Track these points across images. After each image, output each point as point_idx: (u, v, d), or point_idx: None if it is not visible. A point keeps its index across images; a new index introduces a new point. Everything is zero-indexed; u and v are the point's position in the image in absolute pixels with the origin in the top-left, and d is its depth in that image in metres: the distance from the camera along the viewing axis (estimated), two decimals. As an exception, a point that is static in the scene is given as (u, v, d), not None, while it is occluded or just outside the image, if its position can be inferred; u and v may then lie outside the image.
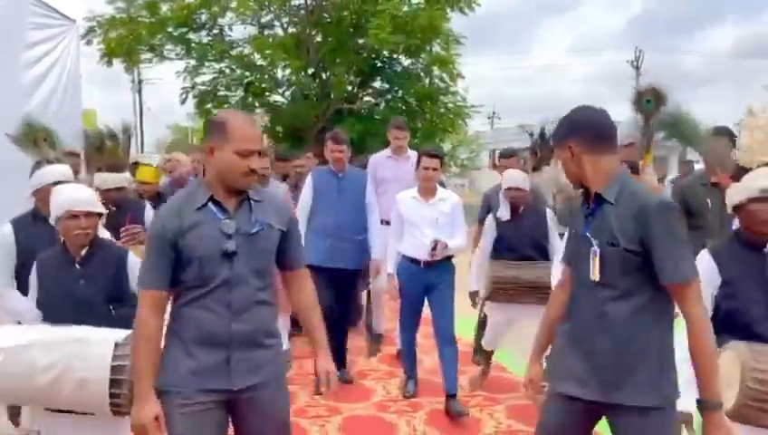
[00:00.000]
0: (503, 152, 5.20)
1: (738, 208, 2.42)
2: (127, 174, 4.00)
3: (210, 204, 2.09)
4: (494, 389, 4.71)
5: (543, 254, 4.18)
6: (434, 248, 4.09)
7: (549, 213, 4.27)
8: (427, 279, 4.23)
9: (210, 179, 2.11)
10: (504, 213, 4.28)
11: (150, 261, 2.08)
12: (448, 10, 14.55)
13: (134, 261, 2.73)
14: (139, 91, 26.23)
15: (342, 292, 4.72)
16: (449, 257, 4.26)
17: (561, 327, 2.23)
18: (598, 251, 2.02)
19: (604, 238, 2.03)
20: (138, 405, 2.01)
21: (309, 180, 4.75)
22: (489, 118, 48.62)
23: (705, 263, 2.42)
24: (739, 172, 2.44)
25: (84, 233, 2.61)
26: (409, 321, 4.41)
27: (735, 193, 2.41)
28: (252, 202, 2.15)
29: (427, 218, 4.19)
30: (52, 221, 2.67)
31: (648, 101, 3.70)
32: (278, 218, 2.19)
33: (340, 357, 4.63)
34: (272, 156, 5.24)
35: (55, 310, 2.56)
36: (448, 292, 4.26)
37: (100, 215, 2.72)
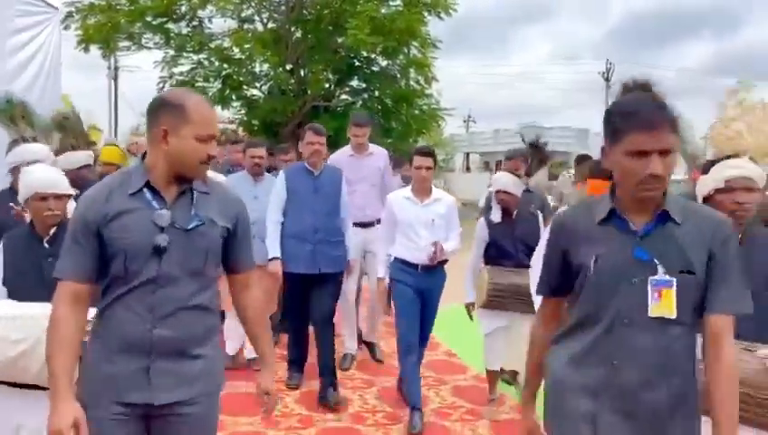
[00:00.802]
0: (508, 154, 5.03)
1: (706, 200, 2.37)
2: (89, 152, 3.92)
3: (146, 190, 1.85)
4: (477, 401, 4.47)
5: None
6: (434, 251, 3.88)
7: (541, 217, 4.15)
8: (423, 284, 4.02)
9: (153, 164, 1.85)
10: (495, 215, 4.11)
11: (69, 248, 1.85)
12: (426, 14, 14.89)
13: None
14: (115, 78, 26.02)
15: (326, 297, 4.41)
16: (443, 261, 4.06)
17: (578, 383, 1.77)
18: (674, 281, 1.67)
19: (675, 264, 1.68)
20: (54, 410, 1.73)
21: (281, 178, 4.42)
22: (465, 121, 49.29)
23: None
24: (707, 167, 2.44)
25: (53, 214, 2.58)
26: (409, 334, 4.02)
27: (703, 185, 2.39)
28: (195, 194, 1.90)
29: (422, 220, 3.99)
30: (20, 201, 2.65)
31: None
32: (224, 214, 1.94)
33: (331, 371, 4.41)
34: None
35: (23, 288, 2.52)
36: (438, 299, 4.13)
37: (69, 196, 2.68)
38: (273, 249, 4.34)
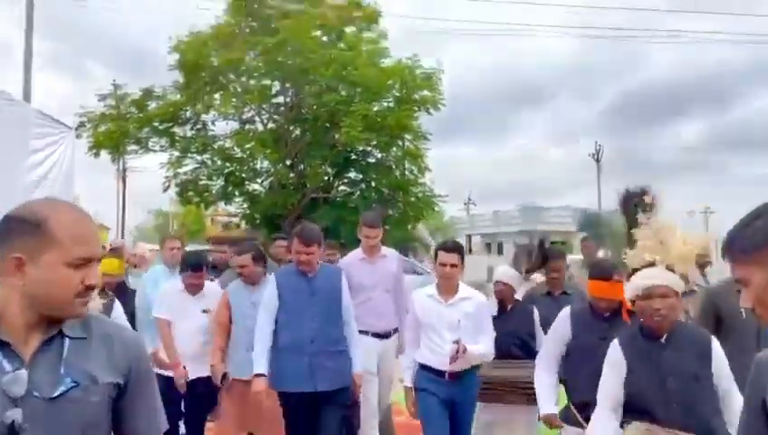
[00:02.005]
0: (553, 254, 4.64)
1: (633, 304, 2.65)
2: None
3: None
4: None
5: (529, 353, 3.83)
6: (455, 351, 3.39)
7: (536, 312, 4.01)
8: (452, 394, 3.56)
9: (1, 306, 1.33)
10: (492, 310, 3.96)
11: None
12: (416, 109, 15.83)
13: None
14: (123, 179, 27.12)
15: (329, 421, 3.76)
16: (475, 367, 3.65)
17: None
18: None
19: None
20: None
21: (272, 282, 3.86)
22: (465, 204, 50.34)
23: (614, 353, 2.63)
24: (629, 275, 2.68)
25: None
26: None
27: (627, 291, 2.65)
28: (66, 342, 1.36)
29: (446, 320, 3.57)
30: None
31: (636, 205, 3.52)
32: (111, 365, 1.40)
33: None
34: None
35: None
36: (471, 412, 3.71)
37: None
38: (258, 364, 3.71)
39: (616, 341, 2.67)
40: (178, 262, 4.56)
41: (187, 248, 5.65)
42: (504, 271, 4.13)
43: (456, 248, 3.68)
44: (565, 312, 3.33)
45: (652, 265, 2.65)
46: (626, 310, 3.11)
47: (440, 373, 3.54)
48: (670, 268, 2.64)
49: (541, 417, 3.38)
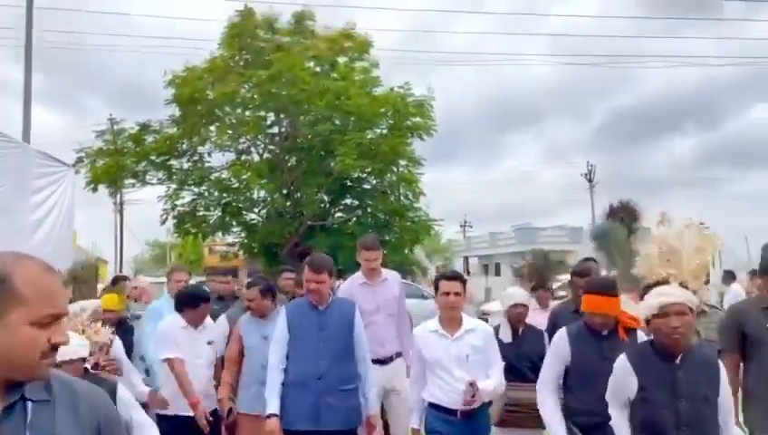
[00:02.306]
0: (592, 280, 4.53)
1: (647, 323, 2.61)
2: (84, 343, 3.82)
3: None
4: None
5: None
6: (472, 395, 3.25)
7: (545, 335, 3.95)
8: (465, 433, 3.42)
9: None
10: (506, 335, 3.94)
11: None
12: (409, 136, 16.06)
13: (123, 391, 2.96)
14: (121, 212, 27.26)
15: None
16: (487, 403, 3.51)
17: None
18: None
19: None
20: None
21: (282, 316, 3.75)
22: (461, 226, 50.50)
23: (621, 368, 2.63)
24: (644, 292, 2.66)
25: None
26: None
27: (642, 310, 2.62)
28: (30, 405, 1.28)
29: (454, 356, 3.39)
30: None
31: (622, 218, 3.72)
32: (79, 426, 1.33)
33: None
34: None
35: None
36: None
37: (82, 359, 2.85)
38: (271, 404, 3.57)
39: (624, 357, 2.66)
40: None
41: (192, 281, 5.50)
42: (519, 293, 4.08)
43: (457, 276, 3.55)
44: (562, 331, 3.29)
45: (666, 281, 2.65)
46: (622, 328, 3.14)
47: (451, 412, 3.37)
48: (684, 285, 2.63)
49: None
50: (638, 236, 3.27)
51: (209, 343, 4.19)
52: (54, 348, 1.28)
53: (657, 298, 2.55)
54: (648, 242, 2.81)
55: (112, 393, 2.86)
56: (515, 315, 3.98)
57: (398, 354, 4.43)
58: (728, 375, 2.76)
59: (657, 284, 2.66)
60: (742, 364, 3.27)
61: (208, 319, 4.28)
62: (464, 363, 3.38)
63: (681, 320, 2.49)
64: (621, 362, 2.64)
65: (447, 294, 3.44)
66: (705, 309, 3.61)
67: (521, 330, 3.99)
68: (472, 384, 3.26)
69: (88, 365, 3.09)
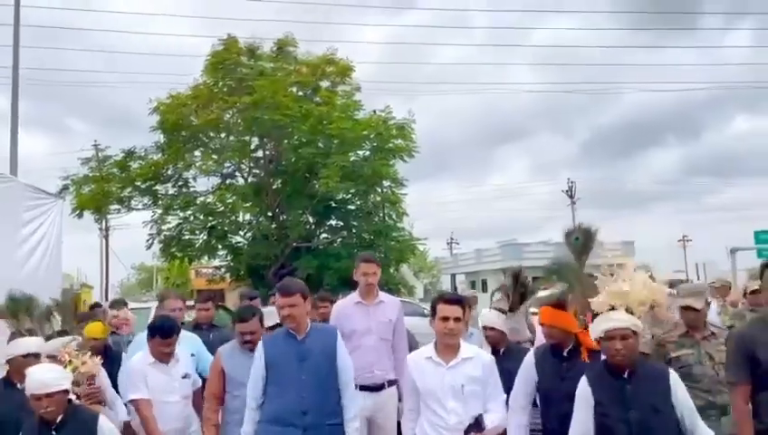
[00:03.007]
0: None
1: (598, 343, 2.94)
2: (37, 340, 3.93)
3: None
4: None
5: None
6: (475, 431, 3.02)
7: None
8: None
9: None
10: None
11: None
12: (391, 157, 16.39)
13: (105, 421, 3.12)
14: (106, 237, 27.27)
15: None
16: None
17: None
18: None
19: None
20: None
21: (259, 350, 3.45)
22: (448, 243, 50.88)
23: (582, 387, 2.92)
24: (593, 317, 2.97)
25: (47, 411, 2.95)
26: None
27: (592, 332, 2.96)
28: None
29: (448, 386, 3.11)
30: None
31: (577, 238, 3.82)
32: None
33: None
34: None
35: None
36: None
37: (64, 392, 3.02)
38: None
39: (584, 378, 2.93)
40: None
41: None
42: (488, 316, 4.05)
43: (458, 300, 3.25)
44: (530, 355, 3.44)
45: (613, 308, 2.91)
46: (585, 349, 3.27)
47: None
48: (629, 311, 2.89)
49: None
50: (592, 253, 3.47)
51: (185, 376, 3.92)
52: None
53: (603, 323, 2.88)
54: (601, 287, 3.03)
55: (94, 424, 3.04)
56: (487, 338, 4.02)
57: (391, 383, 4.12)
58: (740, 410, 2.99)
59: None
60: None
61: (182, 351, 4.00)
62: (459, 395, 3.10)
63: (624, 343, 2.80)
64: (582, 382, 2.93)
65: (446, 319, 3.14)
66: (714, 331, 3.71)
67: (501, 350, 3.93)
68: (478, 421, 3.01)
69: (72, 396, 3.19)
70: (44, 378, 3.00)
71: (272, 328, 3.91)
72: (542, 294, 3.93)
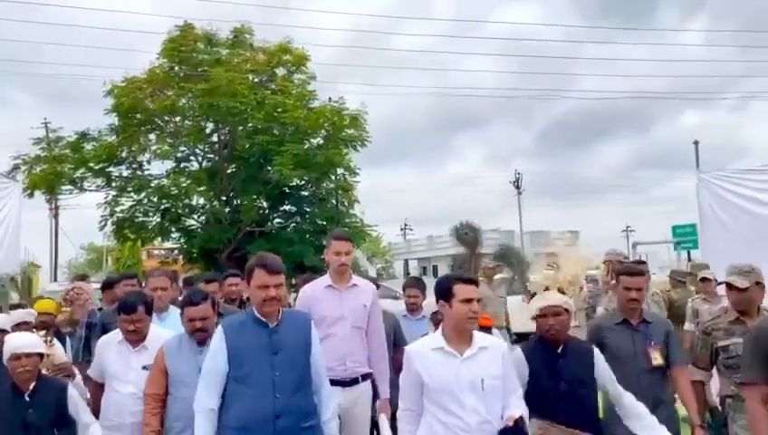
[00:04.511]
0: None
1: (534, 321, 3.18)
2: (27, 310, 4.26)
3: None
4: None
5: None
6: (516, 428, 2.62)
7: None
8: None
9: None
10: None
11: None
12: (344, 146, 16.95)
13: (72, 390, 3.28)
14: (56, 217, 26.93)
15: None
16: None
17: None
18: None
19: None
20: None
21: (218, 337, 2.86)
22: (402, 229, 51.82)
23: (517, 358, 3.05)
24: (530, 298, 3.72)
25: (26, 370, 3.12)
26: None
27: (528, 311, 3.21)
28: None
29: (465, 381, 2.68)
30: (5, 363, 3.18)
31: (466, 232, 4.76)
32: None
33: None
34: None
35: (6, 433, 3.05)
36: None
37: (40, 355, 3.20)
38: None
39: (519, 350, 3.13)
40: (166, 307, 3.83)
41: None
42: (434, 300, 4.33)
43: (475, 280, 2.90)
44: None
45: (548, 288, 3.48)
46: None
47: None
48: (562, 291, 3.45)
49: None
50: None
51: (145, 367, 3.36)
52: None
53: (537, 302, 3.17)
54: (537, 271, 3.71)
55: (63, 392, 3.23)
56: (432, 319, 4.35)
57: (365, 377, 3.69)
58: (756, 414, 2.50)
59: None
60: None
61: (156, 337, 3.44)
62: (478, 390, 2.67)
63: (555, 319, 3.06)
64: (517, 353, 3.11)
65: (470, 301, 2.71)
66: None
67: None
68: (518, 424, 2.63)
69: (44, 371, 3.35)
70: (24, 340, 3.27)
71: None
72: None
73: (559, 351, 3.05)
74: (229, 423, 2.75)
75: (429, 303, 4.06)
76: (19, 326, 3.88)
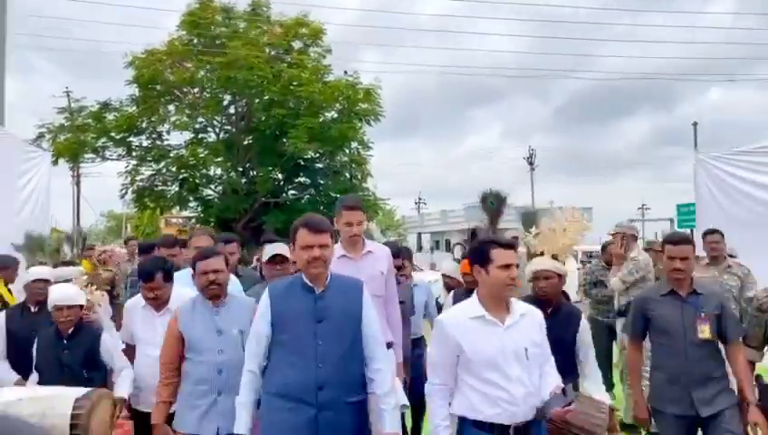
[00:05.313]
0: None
1: (530, 282, 3.34)
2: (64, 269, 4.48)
3: None
4: None
5: None
6: (561, 405, 2.50)
7: None
8: None
9: None
10: (441, 299, 4.03)
11: None
12: (358, 121, 17.24)
13: (107, 337, 3.61)
14: (78, 184, 27.66)
15: None
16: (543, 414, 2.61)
17: None
18: None
19: None
20: None
21: (264, 301, 2.75)
22: (416, 203, 52.10)
23: None
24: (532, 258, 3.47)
25: (68, 320, 3.51)
26: None
27: (525, 275, 3.35)
28: None
29: (510, 351, 2.55)
30: (50, 310, 3.55)
31: (492, 202, 4.32)
32: None
33: None
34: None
35: (47, 371, 3.48)
36: None
37: (81, 306, 3.58)
38: (240, 422, 2.68)
39: None
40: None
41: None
42: (447, 266, 4.61)
43: (514, 244, 2.75)
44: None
45: (542, 254, 3.39)
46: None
47: (503, 429, 2.52)
48: (555, 257, 3.34)
49: None
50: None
51: None
52: None
53: (531, 266, 3.37)
54: (537, 233, 3.58)
55: (97, 338, 3.58)
56: (445, 284, 4.59)
57: (389, 346, 3.46)
58: None
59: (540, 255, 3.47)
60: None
61: (180, 299, 3.40)
62: (522, 360, 2.56)
63: (547, 282, 3.26)
64: None
65: (508, 266, 2.59)
66: None
67: (452, 292, 4.30)
68: (565, 391, 2.54)
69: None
70: (67, 292, 3.62)
71: (272, 262, 3.58)
72: (445, 262, 4.71)
73: (549, 311, 3.13)
74: (271, 389, 2.67)
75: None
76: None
